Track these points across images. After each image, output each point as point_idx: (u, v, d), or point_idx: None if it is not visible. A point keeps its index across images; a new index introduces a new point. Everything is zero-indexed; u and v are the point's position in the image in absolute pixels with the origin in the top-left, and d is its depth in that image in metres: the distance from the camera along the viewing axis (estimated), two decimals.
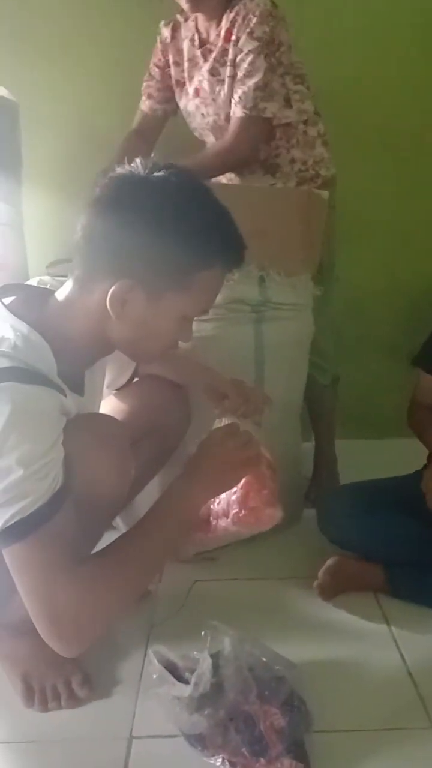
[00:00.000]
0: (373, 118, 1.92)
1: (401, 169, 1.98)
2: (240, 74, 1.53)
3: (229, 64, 1.55)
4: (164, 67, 1.70)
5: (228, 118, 1.60)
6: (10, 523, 0.85)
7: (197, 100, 1.65)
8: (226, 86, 1.57)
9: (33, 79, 1.86)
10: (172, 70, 1.68)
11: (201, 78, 1.62)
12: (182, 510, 1.01)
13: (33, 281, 1.17)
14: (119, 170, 0.95)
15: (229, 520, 1.09)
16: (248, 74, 1.52)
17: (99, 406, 1.20)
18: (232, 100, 1.55)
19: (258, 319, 1.50)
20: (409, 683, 1.09)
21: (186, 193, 0.94)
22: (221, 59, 1.57)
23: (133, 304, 0.93)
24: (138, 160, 0.94)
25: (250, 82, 1.52)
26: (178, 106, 1.73)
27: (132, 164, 0.95)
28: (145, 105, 1.75)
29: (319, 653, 1.16)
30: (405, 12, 1.88)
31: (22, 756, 0.99)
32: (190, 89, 1.66)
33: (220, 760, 0.92)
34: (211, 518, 1.10)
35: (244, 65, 1.51)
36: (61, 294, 0.99)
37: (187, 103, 1.68)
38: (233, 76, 1.55)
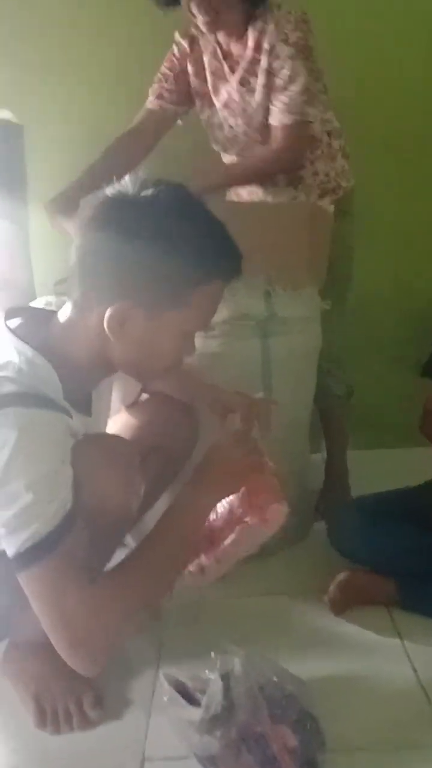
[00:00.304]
0: (376, 120, 1.91)
1: (404, 172, 1.98)
2: (281, 82, 1.51)
3: (260, 73, 1.53)
4: (179, 74, 1.67)
5: (261, 127, 1.59)
6: (23, 549, 0.85)
7: (226, 112, 1.63)
8: (258, 95, 1.56)
9: (35, 99, 1.87)
10: (192, 81, 1.66)
11: (230, 89, 1.60)
12: (189, 520, 1.02)
13: (40, 302, 1.18)
14: (108, 190, 0.95)
15: (233, 534, 1.08)
16: (290, 80, 1.50)
17: (106, 425, 1.21)
18: (274, 109, 1.54)
19: (264, 333, 1.50)
20: (422, 698, 1.08)
21: (178, 211, 0.94)
22: (251, 69, 1.55)
23: (132, 325, 0.93)
24: (127, 178, 0.94)
25: (294, 88, 1.51)
26: (186, 112, 1.71)
27: (120, 183, 0.95)
28: (152, 103, 1.70)
29: (330, 669, 1.15)
30: (408, 13, 1.88)
31: None
32: (217, 102, 1.64)
33: None
34: (213, 538, 1.09)
35: (285, 72, 1.50)
36: (62, 316, 1.00)
37: (212, 115, 1.67)
38: (266, 85, 1.53)
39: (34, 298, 1.75)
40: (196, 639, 1.23)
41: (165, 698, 0.94)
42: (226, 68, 1.60)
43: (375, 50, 1.89)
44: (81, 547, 0.90)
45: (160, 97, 1.69)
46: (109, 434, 1.15)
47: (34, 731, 1.05)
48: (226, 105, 1.62)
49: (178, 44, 1.66)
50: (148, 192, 0.93)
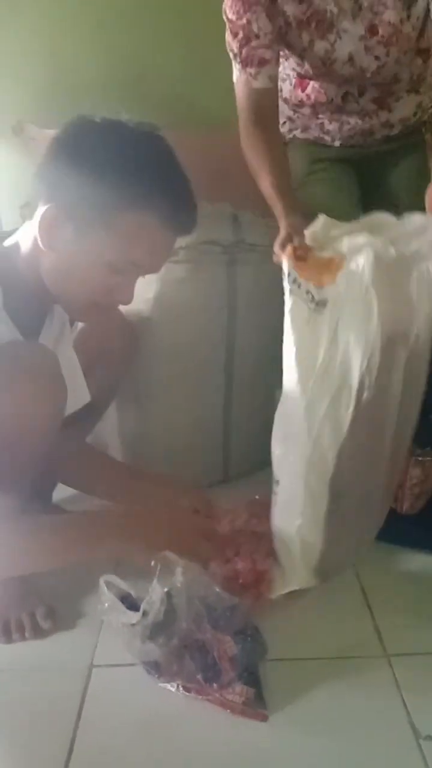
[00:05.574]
0: None
1: None
2: None
3: None
4: (270, 6, 1.22)
5: (415, 46, 1.30)
6: None
7: (372, 41, 1.26)
8: (419, 6, 1.23)
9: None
10: (291, 8, 1.23)
11: (380, 9, 1.24)
12: (94, 537, 1.00)
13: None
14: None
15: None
16: None
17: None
18: None
19: (231, 261, 1.48)
20: (367, 614, 1.12)
21: (135, 139, 0.96)
22: None
23: (60, 231, 0.94)
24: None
25: None
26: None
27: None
28: (258, 81, 1.27)
29: None
30: None
31: None
32: (353, 30, 1.26)
33: (175, 686, 0.95)
34: None
35: None
36: (14, 237, 1.02)
37: (334, 48, 1.28)
38: None
39: None
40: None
41: (106, 604, 0.96)
42: None
43: None
44: None
45: (263, 63, 1.26)
46: (30, 343, 1.03)
47: None
48: (373, 32, 1.26)
49: None
50: (116, 119, 0.96)
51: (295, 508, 1.05)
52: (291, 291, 1.06)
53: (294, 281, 1.06)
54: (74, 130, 0.97)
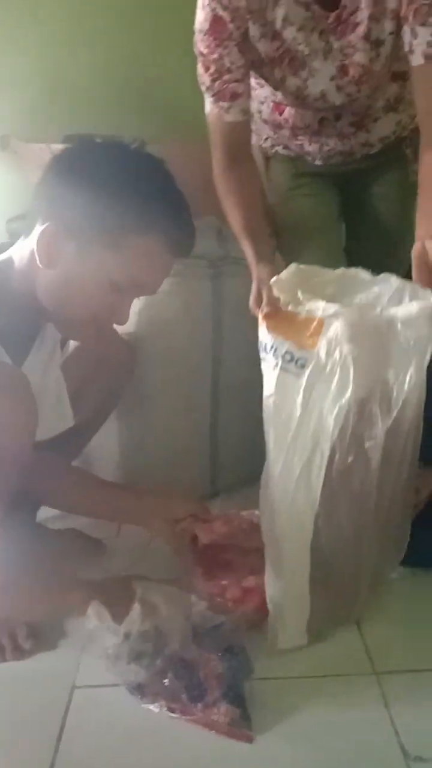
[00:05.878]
0: None
1: None
2: (422, 15, 1.12)
3: (390, 17, 1.16)
4: (242, 42, 1.19)
5: (385, 79, 1.29)
6: None
7: (343, 80, 1.26)
8: (387, 46, 1.20)
9: None
10: (263, 45, 1.22)
11: (350, 51, 1.22)
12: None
13: None
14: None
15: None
16: None
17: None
18: (419, 42, 1.14)
19: (216, 274, 1.48)
20: (355, 631, 1.10)
21: (139, 158, 0.97)
22: (379, 15, 1.16)
23: (61, 249, 0.93)
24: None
25: None
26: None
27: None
28: (230, 114, 1.25)
29: None
30: None
31: None
32: (324, 70, 1.25)
33: (159, 707, 0.92)
34: None
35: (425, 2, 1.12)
36: (7, 252, 1.01)
37: (307, 84, 1.27)
38: (396, 32, 1.17)
39: None
40: (142, 572, 1.23)
41: (90, 626, 0.94)
42: (332, 25, 1.20)
43: None
44: None
45: (235, 97, 1.24)
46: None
47: None
48: (345, 72, 1.24)
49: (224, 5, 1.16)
50: (117, 140, 1.00)
51: (280, 570, 1.02)
52: (267, 356, 1.04)
53: (266, 348, 1.04)
54: (76, 149, 0.97)
